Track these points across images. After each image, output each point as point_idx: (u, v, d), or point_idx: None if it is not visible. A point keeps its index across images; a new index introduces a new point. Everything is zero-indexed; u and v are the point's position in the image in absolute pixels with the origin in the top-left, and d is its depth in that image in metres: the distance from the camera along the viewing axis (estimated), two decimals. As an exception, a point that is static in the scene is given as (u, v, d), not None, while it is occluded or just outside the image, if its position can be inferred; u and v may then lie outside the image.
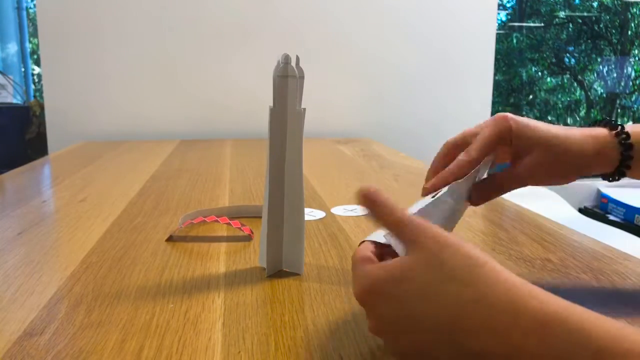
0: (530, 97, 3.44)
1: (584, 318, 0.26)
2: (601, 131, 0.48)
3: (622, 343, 0.25)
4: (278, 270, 0.52)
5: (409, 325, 0.31)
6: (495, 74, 1.80)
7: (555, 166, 0.47)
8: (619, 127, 0.47)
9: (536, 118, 0.51)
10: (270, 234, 0.51)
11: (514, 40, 3.27)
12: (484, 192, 0.49)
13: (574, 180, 0.49)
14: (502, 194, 0.49)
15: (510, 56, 3.28)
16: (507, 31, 3.23)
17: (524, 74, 3.40)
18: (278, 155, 0.50)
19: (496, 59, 1.84)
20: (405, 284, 0.31)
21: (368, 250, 0.36)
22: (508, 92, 3.37)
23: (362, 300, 0.34)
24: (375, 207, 0.34)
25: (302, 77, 0.49)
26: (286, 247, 0.52)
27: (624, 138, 0.47)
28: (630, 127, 0.48)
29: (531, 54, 3.39)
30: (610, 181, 0.50)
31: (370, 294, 0.33)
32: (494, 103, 1.93)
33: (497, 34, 1.81)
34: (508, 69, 3.31)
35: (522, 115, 0.49)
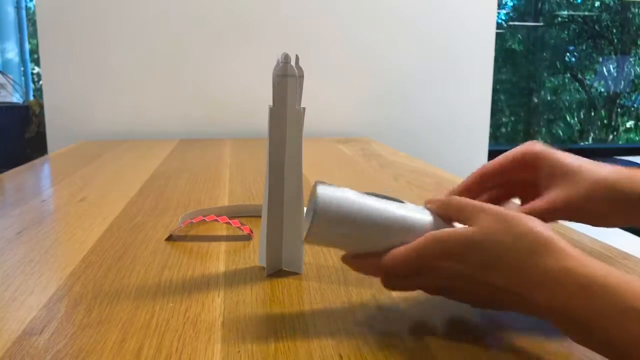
0: (535, 99, 3.43)
1: (620, 280, 0.31)
2: None
3: None
4: (278, 269, 0.52)
5: (478, 284, 0.36)
6: (505, 74, 1.79)
7: (597, 200, 0.41)
8: None
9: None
10: (270, 234, 0.51)
11: (532, 40, 3.24)
12: None
13: (615, 224, 0.43)
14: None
15: (519, 56, 3.26)
16: (504, 31, 3.22)
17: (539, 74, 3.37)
18: (278, 155, 0.50)
19: (504, 58, 1.83)
20: (484, 247, 0.35)
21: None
22: (522, 93, 3.35)
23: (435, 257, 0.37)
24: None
25: (301, 76, 0.49)
26: (286, 246, 0.52)
27: None
28: None
29: (547, 54, 3.36)
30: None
31: (445, 254, 0.37)
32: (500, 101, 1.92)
33: (508, 33, 1.81)
34: (519, 69, 3.29)
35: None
